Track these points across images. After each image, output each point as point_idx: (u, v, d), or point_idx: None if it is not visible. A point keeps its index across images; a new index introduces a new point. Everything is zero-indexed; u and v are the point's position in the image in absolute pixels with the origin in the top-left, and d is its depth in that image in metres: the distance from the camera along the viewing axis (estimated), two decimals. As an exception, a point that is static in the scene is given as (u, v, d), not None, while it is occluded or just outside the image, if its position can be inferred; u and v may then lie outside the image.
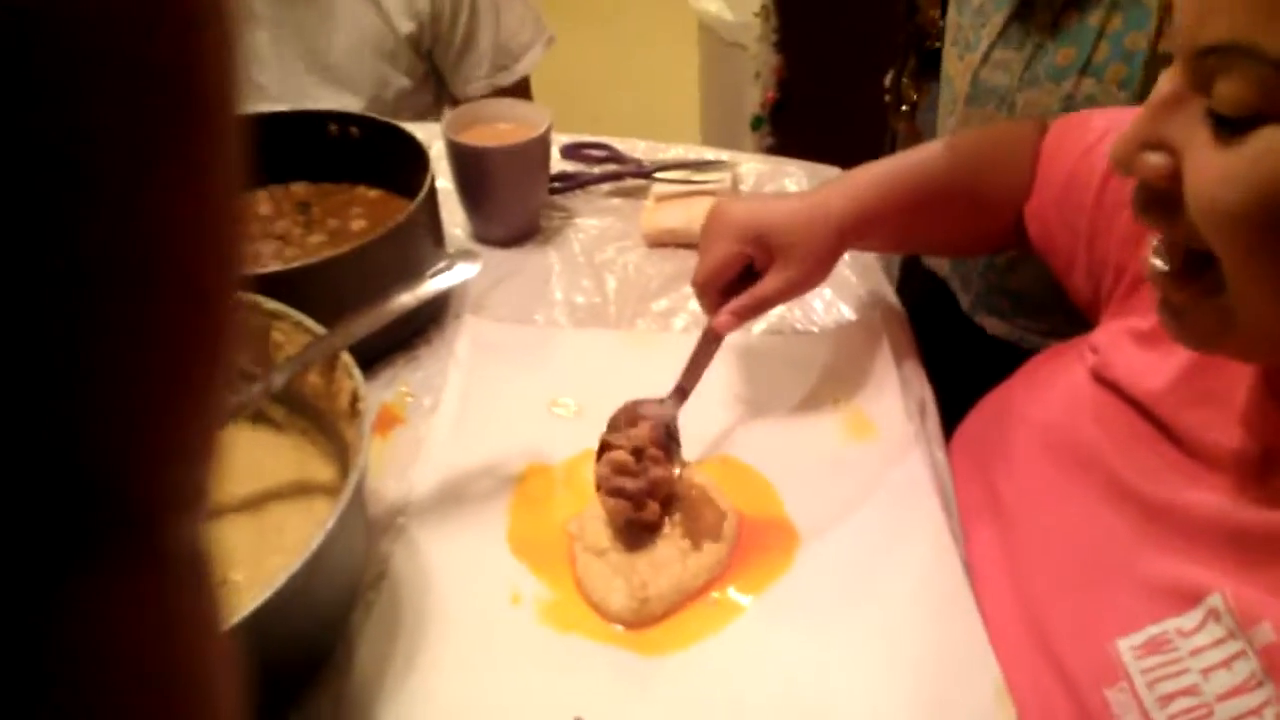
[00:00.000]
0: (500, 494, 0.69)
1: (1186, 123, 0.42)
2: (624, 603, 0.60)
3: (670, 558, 0.63)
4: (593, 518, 0.65)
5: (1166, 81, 0.43)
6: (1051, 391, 0.65)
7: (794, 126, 1.68)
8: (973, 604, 0.61)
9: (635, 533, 0.64)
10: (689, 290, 0.88)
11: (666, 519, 0.65)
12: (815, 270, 0.72)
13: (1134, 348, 0.60)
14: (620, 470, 0.63)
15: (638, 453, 0.65)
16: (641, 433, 0.66)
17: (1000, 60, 0.98)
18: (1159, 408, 0.56)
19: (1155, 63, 0.90)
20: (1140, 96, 0.90)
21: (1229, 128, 0.40)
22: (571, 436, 0.73)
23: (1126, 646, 0.50)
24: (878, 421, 0.74)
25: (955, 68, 1.04)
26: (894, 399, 0.76)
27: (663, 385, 0.71)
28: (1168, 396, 0.56)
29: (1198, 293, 0.45)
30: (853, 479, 0.70)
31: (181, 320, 0.18)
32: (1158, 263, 0.47)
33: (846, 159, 1.10)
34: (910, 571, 0.63)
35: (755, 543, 0.65)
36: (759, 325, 0.84)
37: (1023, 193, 0.74)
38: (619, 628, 0.60)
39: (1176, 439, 0.54)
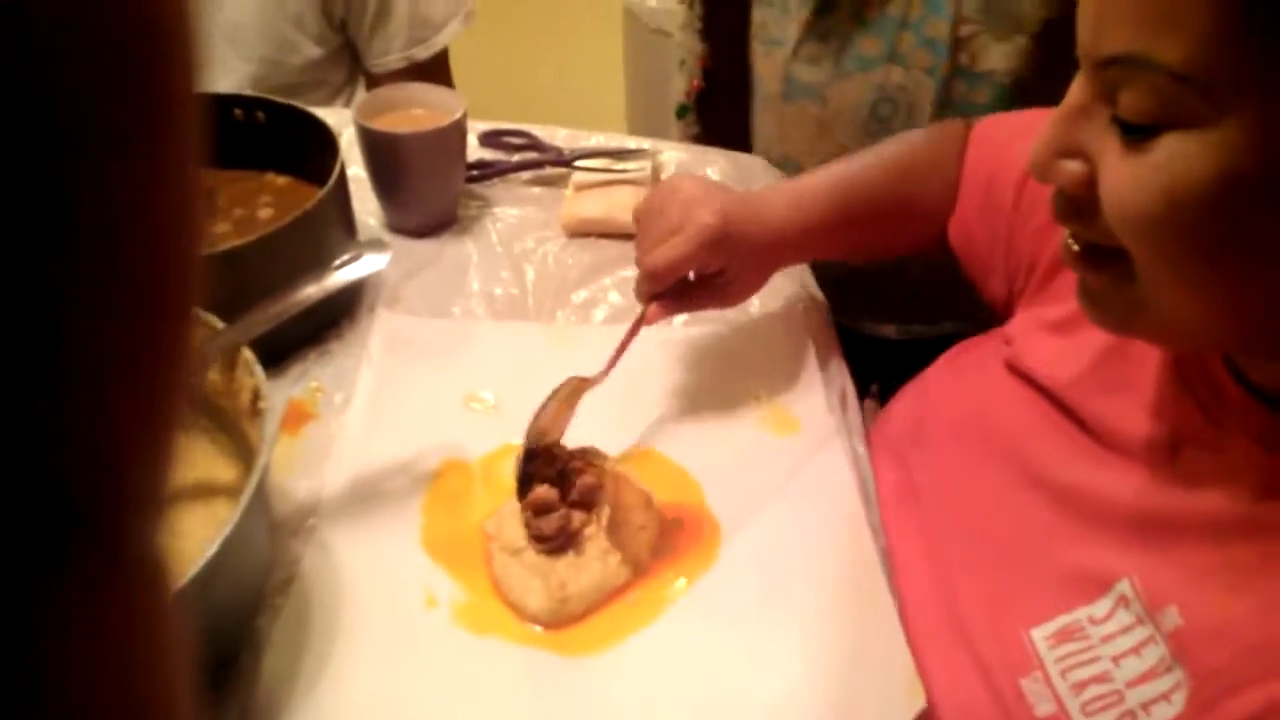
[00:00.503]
0: (415, 492, 0.67)
1: (1097, 130, 0.43)
2: (542, 603, 0.59)
3: (591, 556, 0.62)
4: (510, 516, 0.64)
5: (1076, 90, 0.44)
6: (966, 381, 0.66)
7: (720, 114, 1.67)
8: (888, 596, 0.61)
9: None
10: (609, 281, 0.87)
11: (591, 517, 0.64)
12: (755, 287, 0.75)
13: (1046, 338, 0.61)
14: (542, 509, 0.62)
15: (562, 474, 0.64)
16: (560, 451, 0.65)
17: (810, 55, 1.00)
18: (1070, 396, 0.57)
19: (958, 48, 0.93)
20: (946, 84, 0.94)
21: (1135, 134, 0.41)
22: (489, 431, 0.71)
23: (1040, 636, 0.51)
24: (799, 415, 0.74)
25: (764, 65, 1.06)
26: (815, 392, 0.76)
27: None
28: (1078, 384, 0.57)
29: (1111, 280, 0.46)
30: (775, 473, 0.69)
31: (142, 323, 0.18)
32: (1075, 246, 0.48)
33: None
34: (828, 565, 0.63)
35: (677, 538, 0.65)
36: (681, 318, 0.83)
37: (950, 202, 0.75)
38: (538, 628, 0.59)
39: (1087, 426, 0.55)
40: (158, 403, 0.19)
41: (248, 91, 0.91)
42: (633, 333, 0.71)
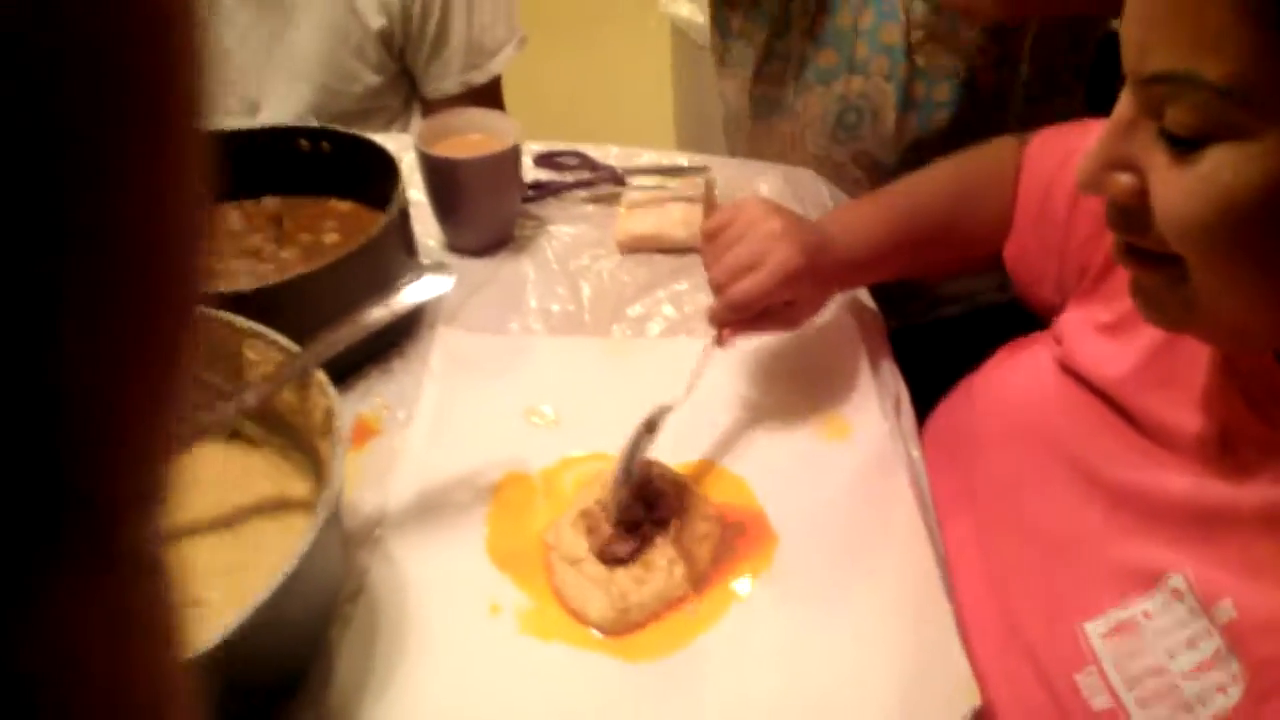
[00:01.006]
0: (477, 504, 0.69)
1: (1145, 143, 0.44)
2: (604, 613, 0.61)
3: (656, 567, 0.63)
4: (568, 526, 0.65)
5: (1123, 104, 0.45)
6: (1018, 381, 0.67)
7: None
8: (945, 602, 0.61)
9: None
10: (663, 295, 0.89)
11: (659, 532, 0.65)
12: (818, 309, 0.77)
13: (1098, 338, 0.61)
14: (630, 532, 0.64)
15: (645, 495, 0.65)
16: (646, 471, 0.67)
17: (772, 74, 1.03)
18: (1121, 394, 0.58)
19: (913, 51, 0.93)
20: (906, 87, 0.96)
21: (1183, 146, 0.42)
22: (550, 445, 0.73)
23: (1094, 631, 0.51)
24: (853, 422, 0.75)
25: (730, 87, 1.10)
26: (869, 399, 0.77)
27: (640, 391, 0.71)
28: (1129, 382, 0.57)
29: (1164, 280, 0.47)
30: (830, 480, 0.70)
31: (143, 320, 0.18)
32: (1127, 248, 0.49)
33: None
34: (886, 571, 0.64)
35: (735, 546, 0.66)
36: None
37: (1006, 221, 0.75)
38: (598, 634, 0.61)
39: (1139, 424, 0.56)
40: (158, 400, 0.19)
41: (310, 119, 0.94)
42: (707, 356, 0.72)
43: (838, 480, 0.70)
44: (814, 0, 0.97)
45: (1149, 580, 0.50)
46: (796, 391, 0.78)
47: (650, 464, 0.68)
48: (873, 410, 0.75)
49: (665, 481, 0.67)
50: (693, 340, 0.83)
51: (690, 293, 0.89)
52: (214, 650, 0.44)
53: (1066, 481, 0.58)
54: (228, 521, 0.62)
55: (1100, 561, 0.54)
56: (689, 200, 0.96)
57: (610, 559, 0.63)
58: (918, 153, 0.98)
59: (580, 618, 0.61)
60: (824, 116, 1.01)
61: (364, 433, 0.74)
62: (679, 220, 0.94)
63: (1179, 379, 0.54)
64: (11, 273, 0.15)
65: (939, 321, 1.07)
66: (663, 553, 0.64)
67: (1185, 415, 0.53)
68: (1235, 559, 0.47)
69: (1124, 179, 0.45)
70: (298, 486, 0.65)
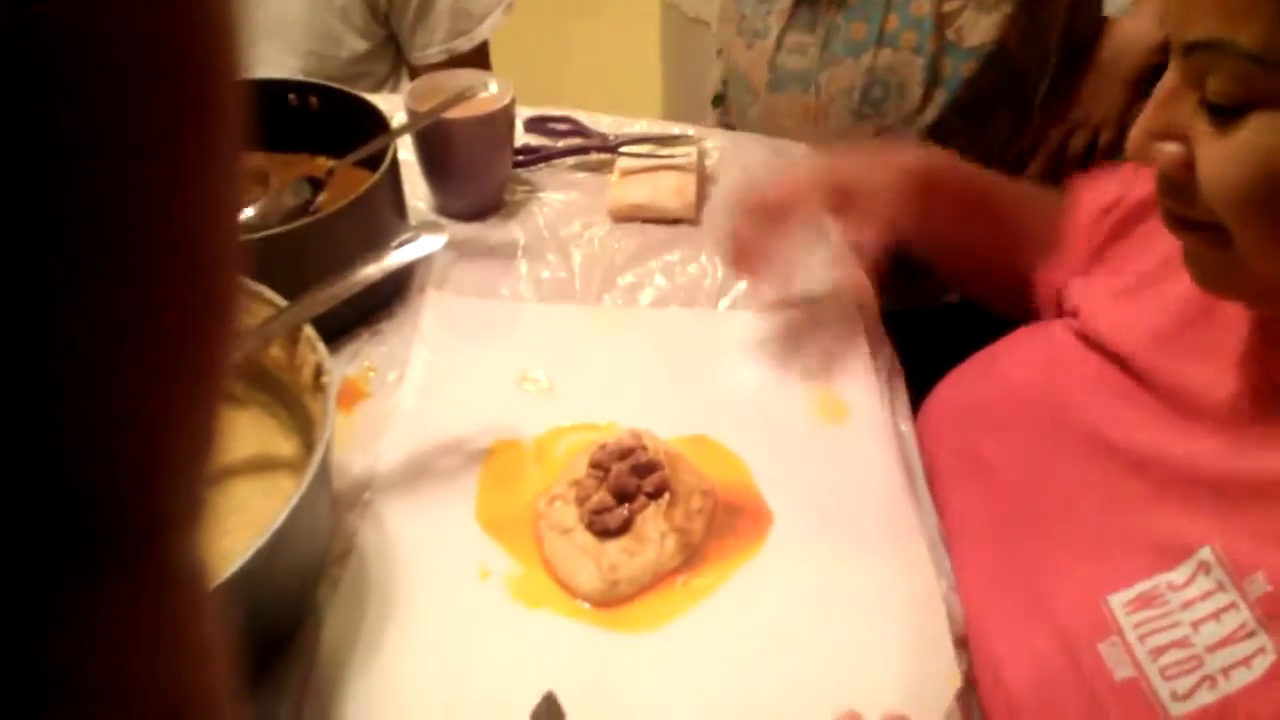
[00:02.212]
0: (468, 468, 0.68)
1: (1189, 112, 0.45)
2: (593, 584, 0.60)
3: (647, 540, 0.62)
4: (560, 496, 0.65)
5: (1169, 75, 0.46)
6: (1032, 353, 0.67)
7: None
8: (933, 575, 0.61)
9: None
10: (655, 265, 0.88)
11: (650, 502, 0.64)
12: (899, 215, 0.71)
13: (1116, 304, 0.62)
14: (619, 501, 0.63)
15: (634, 465, 0.65)
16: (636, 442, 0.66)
17: (795, 44, 1.01)
18: (1143, 361, 0.57)
19: (943, 24, 0.93)
20: (933, 62, 0.95)
21: (1224, 115, 0.42)
22: (543, 412, 0.72)
23: (1118, 602, 0.51)
24: (848, 399, 0.74)
25: (745, 58, 1.06)
26: (864, 376, 0.76)
27: (632, 361, 0.70)
28: (1152, 349, 0.57)
29: (1211, 244, 0.47)
30: (823, 456, 0.70)
31: (179, 335, 0.17)
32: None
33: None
34: (874, 547, 0.63)
35: (729, 523, 0.65)
36: (725, 301, 0.84)
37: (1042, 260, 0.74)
38: (586, 605, 0.60)
39: (1161, 392, 0.56)
40: (194, 419, 0.18)
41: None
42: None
43: (829, 456, 0.70)
44: None
45: (1176, 552, 0.50)
46: (791, 368, 0.77)
47: (642, 435, 0.68)
48: (869, 389, 0.75)
49: (658, 454, 0.66)
50: (685, 311, 0.83)
51: (681, 263, 0.88)
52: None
53: (1088, 453, 0.58)
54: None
55: (1125, 534, 0.53)
56: (682, 170, 0.95)
57: (600, 530, 0.62)
58: (938, 134, 0.97)
59: (569, 588, 0.61)
60: (849, 91, 0.99)
61: (352, 395, 0.73)
62: (672, 189, 0.93)
63: (1207, 344, 0.54)
64: (42, 276, 0.14)
65: (942, 308, 1.06)
66: (655, 525, 0.63)
67: (1216, 380, 0.53)
68: (1269, 530, 0.47)
69: (1170, 148, 0.46)
70: (283, 446, 0.63)
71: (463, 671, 0.57)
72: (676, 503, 0.64)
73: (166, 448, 0.18)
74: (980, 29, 0.93)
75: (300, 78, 1.13)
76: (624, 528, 0.63)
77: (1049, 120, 1.06)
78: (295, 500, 0.49)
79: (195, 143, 0.16)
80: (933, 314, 1.05)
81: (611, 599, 0.60)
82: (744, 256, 0.75)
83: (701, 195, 0.95)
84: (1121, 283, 0.61)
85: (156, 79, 0.15)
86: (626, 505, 0.63)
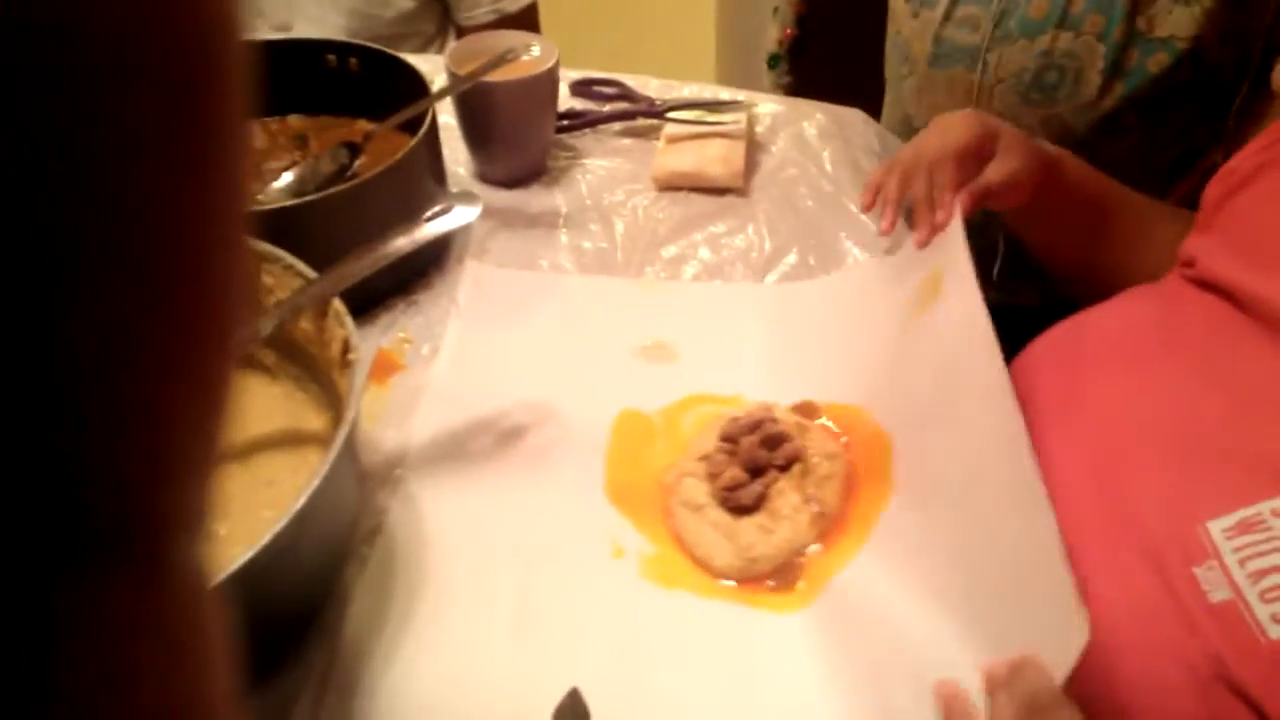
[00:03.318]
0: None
1: None
2: (730, 561, 0.59)
3: (781, 515, 0.60)
4: (689, 472, 0.63)
5: None
6: (1141, 304, 0.65)
7: (814, 64, 1.62)
8: (1051, 518, 0.56)
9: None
10: (700, 237, 0.85)
11: (781, 475, 0.62)
12: (1034, 165, 0.72)
13: (1232, 255, 0.60)
14: (753, 476, 0.62)
15: (764, 439, 0.63)
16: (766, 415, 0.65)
17: (965, 17, 0.93)
18: (1261, 291, 0.56)
19: (1135, 11, 0.85)
20: (1120, 51, 0.87)
21: None
22: (671, 383, 0.71)
23: (1217, 528, 0.50)
24: (948, 287, 0.68)
25: (910, 27, 0.99)
26: (965, 278, 0.68)
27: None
28: (1270, 284, 0.56)
29: None
30: (924, 364, 0.65)
31: (183, 337, 0.17)
32: None
33: (867, 100, 1.06)
34: (993, 490, 0.57)
35: (856, 483, 0.64)
36: (771, 276, 0.81)
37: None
38: (728, 583, 0.59)
39: (1275, 323, 0.55)
40: (197, 421, 0.18)
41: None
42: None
43: (932, 362, 0.65)
44: None
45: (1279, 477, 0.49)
46: (889, 315, 0.72)
47: (769, 407, 0.66)
48: (971, 297, 0.66)
49: (789, 425, 0.64)
50: (729, 286, 0.80)
51: (728, 235, 0.85)
52: (223, 584, 0.42)
53: (1193, 381, 0.57)
54: (239, 454, 0.60)
55: (1227, 460, 0.52)
56: (730, 137, 0.92)
57: (734, 506, 0.61)
58: (1112, 126, 0.90)
59: (706, 566, 0.60)
60: (1020, 73, 0.91)
61: (387, 367, 0.72)
62: (718, 157, 0.90)
63: None
64: (45, 275, 0.14)
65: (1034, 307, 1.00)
66: (787, 500, 0.61)
67: None
68: None
69: None
70: (313, 420, 0.62)
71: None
72: (807, 471, 0.62)
73: (169, 448, 0.18)
74: (1175, 20, 0.85)
75: (344, 38, 1.12)
76: (758, 504, 0.61)
77: (1246, 131, 0.96)
78: (318, 480, 0.48)
79: (197, 134, 0.16)
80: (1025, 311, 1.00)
81: (750, 576, 0.59)
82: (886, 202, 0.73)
83: (750, 164, 0.92)
84: (1236, 244, 0.60)
85: (153, 69, 0.15)
86: (759, 480, 0.62)
